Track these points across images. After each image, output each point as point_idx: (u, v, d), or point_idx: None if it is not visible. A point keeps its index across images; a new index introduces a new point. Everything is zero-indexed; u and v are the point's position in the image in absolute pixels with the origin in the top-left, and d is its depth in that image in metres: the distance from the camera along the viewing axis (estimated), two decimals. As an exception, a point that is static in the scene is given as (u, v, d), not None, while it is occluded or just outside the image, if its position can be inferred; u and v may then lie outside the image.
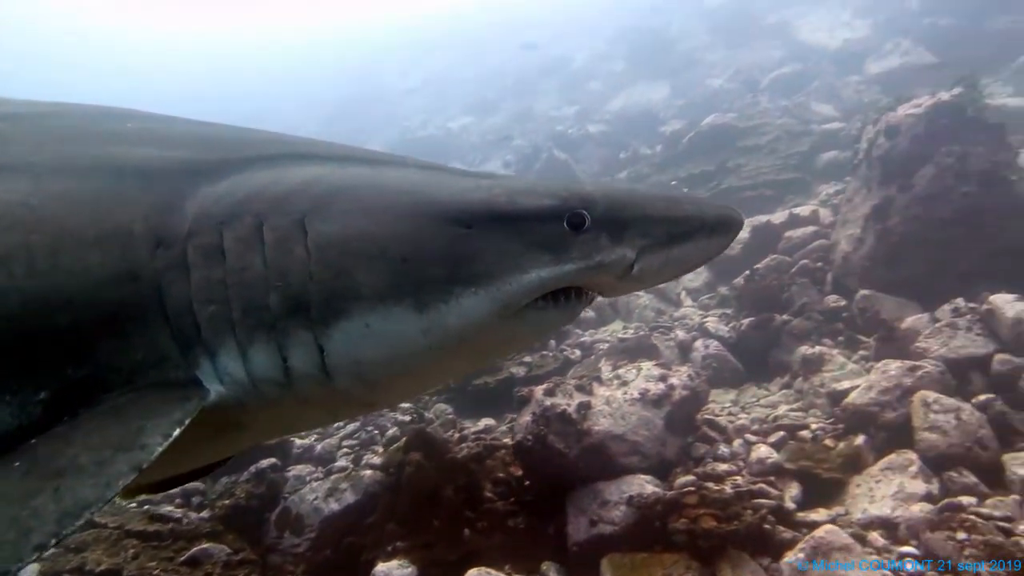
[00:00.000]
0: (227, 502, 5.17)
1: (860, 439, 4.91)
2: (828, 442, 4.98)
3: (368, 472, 5.39)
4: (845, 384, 5.56)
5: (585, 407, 4.76)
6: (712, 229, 2.25)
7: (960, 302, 5.82)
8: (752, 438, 5.16)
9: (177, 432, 1.77)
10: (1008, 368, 5.20)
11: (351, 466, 5.97)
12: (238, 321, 1.99)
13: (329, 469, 6.03)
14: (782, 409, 5.68)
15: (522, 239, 2.09)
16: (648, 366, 5.20)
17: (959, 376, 5.30)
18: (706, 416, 5.43)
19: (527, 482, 4.85)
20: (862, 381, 5.35)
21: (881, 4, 21.52)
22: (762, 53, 22.59)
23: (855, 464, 4.78)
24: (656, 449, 4.77)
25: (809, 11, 24.48)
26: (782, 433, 5.10)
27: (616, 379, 5.11)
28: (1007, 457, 4.48)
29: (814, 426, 5.22)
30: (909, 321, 5.98)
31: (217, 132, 2.47)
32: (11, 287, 1.84)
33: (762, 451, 4.89)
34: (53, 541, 1.53)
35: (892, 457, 4.67)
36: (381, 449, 6.22)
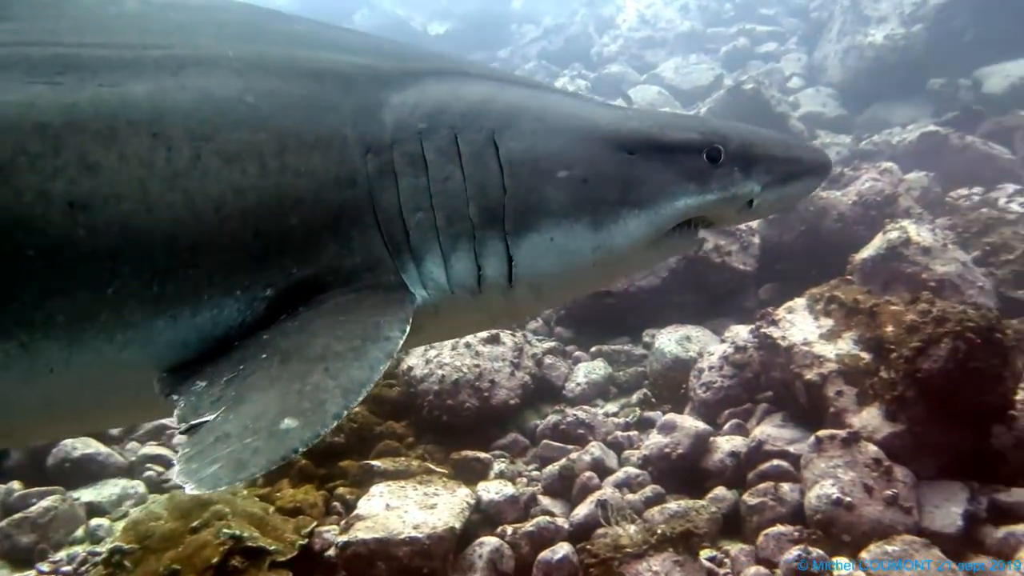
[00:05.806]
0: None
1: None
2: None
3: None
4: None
5: None
6: (816, 172, 2.44)
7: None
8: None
9: (407, 329, 1.80)
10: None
11: None
12: (442, 229, 2.03)
13: None
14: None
15: (672, 168, 2.22)
16: None
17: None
18: None
19: None
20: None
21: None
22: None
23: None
24: None
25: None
26: None
27: None
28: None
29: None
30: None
31: (377, 41, 2.43)
32: (247, 185, 1.83)
33: None
34: (344, 412, 1.58)
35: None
36: None
